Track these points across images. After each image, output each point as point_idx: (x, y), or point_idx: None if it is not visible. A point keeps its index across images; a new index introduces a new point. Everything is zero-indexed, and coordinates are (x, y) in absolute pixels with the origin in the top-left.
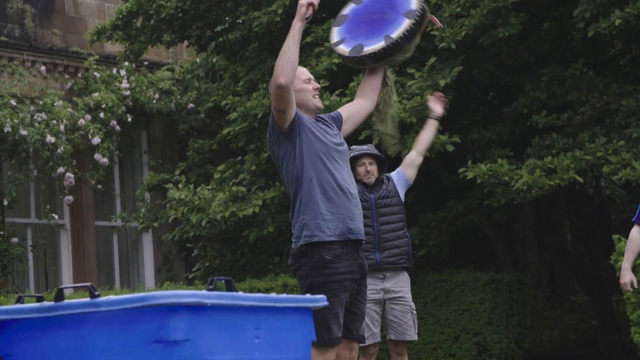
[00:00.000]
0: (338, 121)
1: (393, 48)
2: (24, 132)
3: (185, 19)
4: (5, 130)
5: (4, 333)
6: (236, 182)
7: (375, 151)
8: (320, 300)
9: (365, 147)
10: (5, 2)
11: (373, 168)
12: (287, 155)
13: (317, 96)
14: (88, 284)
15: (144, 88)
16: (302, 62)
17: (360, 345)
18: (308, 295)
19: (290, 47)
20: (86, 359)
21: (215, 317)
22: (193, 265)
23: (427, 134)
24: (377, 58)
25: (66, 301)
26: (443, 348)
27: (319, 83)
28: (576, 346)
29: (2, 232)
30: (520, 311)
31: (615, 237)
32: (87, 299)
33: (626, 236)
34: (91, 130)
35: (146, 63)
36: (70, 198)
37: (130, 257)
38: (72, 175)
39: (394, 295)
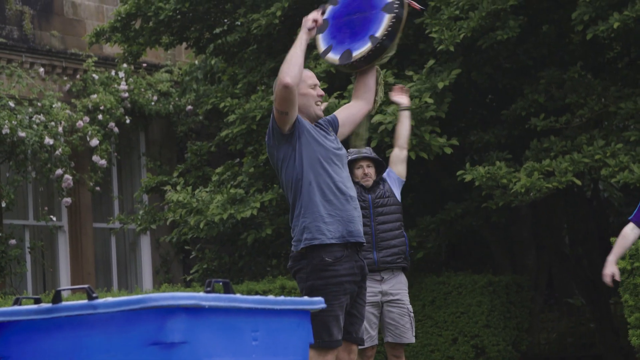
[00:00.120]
0: (334, 125)
1: (380, 47)
2: (22, 134)
3: (184, 21)
4: (4, 131)
5: (2, 335)
6: (234, 184)
7: (373, 154)
8: (318, 302)
9: (363, 150)
10: (4, 3)
11: (371, 171)
12: (287, 158)
13: (319, 103)
14: (86, 286)
15: (143, 90)
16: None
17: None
18: (306, 298)
19: (297, 51)
20: None
21: (212, 320)
22: (191, 267)
23: (403, 126)
24: (368, 60)
25: (64, 303)
26: (441, 350)
27: None
28: (574, 349)
29: (0, 234)
30: (518, 314)
31: (613, 239)
32: (85, 301)
33: None
34: (89, 132)
35: (144, 65)
36: (68, 200)
37: (128, 259)
38: (70, 177)
39: (391, 297)
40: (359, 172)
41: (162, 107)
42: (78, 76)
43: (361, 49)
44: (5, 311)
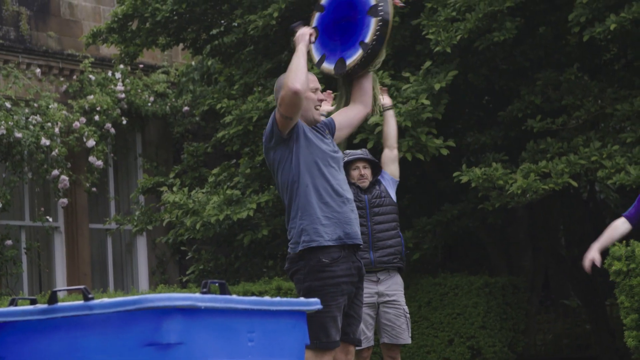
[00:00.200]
0: (331, 128)
1: (372, 52)
2: (18, 135)
3: (181, 22)
4: (0, 132)
5: None
6: (231, 185)
7: (369, 155)
8: (314, 303)
9: (359, 151)
10: (0, 4)
11: (367, 172)
12: (283, 160)
13: (319, 107)
14: (82, 286)
15: (139, 91)
16: None
17: None
18: (302, 299)
19: (301, 60)
20: None
21: (208, 320)
22: (187, 268)
23: (389, 126)
24: (362, 66)
25: (60, 304)
26: (437, 352)
27: None
28: (570, 350)
29: None
30: (514, 315)
31: None
32: (81, 302)
33: (620, 241)
34: (86, 133)
35: (141, 66)
36: (64, 201)
37: (124, 260)
38: (67, 178)
39: (387, 298)
40: (355, 173)
41: (159, 108)
42: (75, 77)
43: (353, 57)
44: (1, 312)
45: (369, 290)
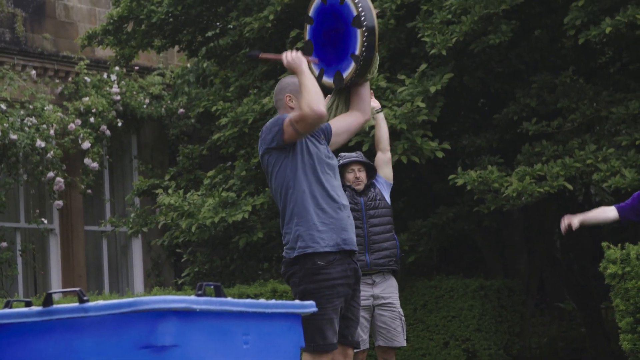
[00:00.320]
0: (327, 133)
1: (364, 63)
2: (13, 137)
3: (176, 24)
4: None
5: None
6: (226, 187)
7: (364, 158)
8: (309, 306)
9: (354, 154)
10: None
11: (362, 175)
12: (278, 164)
13: None
14: (77, 289)
15: (135, 93)
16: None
17: None
18: (297, 302)
19: (313, 81)
20: None
21: (204, 323)
22: (182, 270)
23: (381, 129)
24: (359, 77)
25: (55, 306)
26: (432, 354)
27: None
28: (565, 353)
29: None
30: (510, 318)
31: (604, 244)
32: (76, 304)
33: (615, 244)
34: (81, 135)
35: (137, 68)
36: (59, 202)
37: (119, 262)
38: (62, 180)
39: (383, 301)
40: (350, 176)
41: (154, 110)
42: (70, 79)
43: (348, 70)
44: None
45: (365, 293)
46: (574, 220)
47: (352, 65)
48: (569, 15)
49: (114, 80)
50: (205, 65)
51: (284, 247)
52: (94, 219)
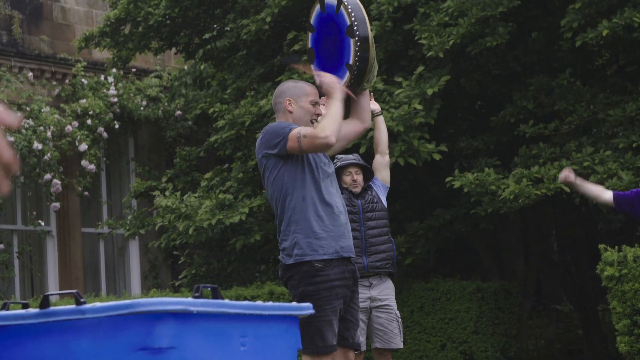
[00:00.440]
0: None
1: (358, 73)
2: (10, 139)
3: (174, 26)
4: None
5: None
6: (223, 189)
7: (362, 161)
8: (306, 308)
9: (351, 156)
10: None
11: (359, 178)
12: (277, 169)
13: (315, 121)
14: (74, 290)
15: (132, 95)
16: (290, 70)
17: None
18: (294, 304)
19: (340, 110)
20: None
21: (201, 325)
22: (179, 272)
23: (380, 132)
24: (354, 87)
25: (52, 308)
26: (429, 357)
27: None
28: (562, 355)
29: None
30: (507, 320)
31: (601, 246)
32: (73, 306)
33: (612, 246)
34: (78, 137)
35: (134, 70)
36: (56, 205)
37: (116, 264)
38: (59, 182)
39: (379, 303)
40: (347, 179)
41: (151, 112)
42: (67, 81)
43: (344, 79)
44: None
45: (362, 295)
46: (572, 176)
47: (347, 75)
48: (566, 18)
49: (111, 83)
50: (202, 67)
51: (281, 252)
52: (91, 221)
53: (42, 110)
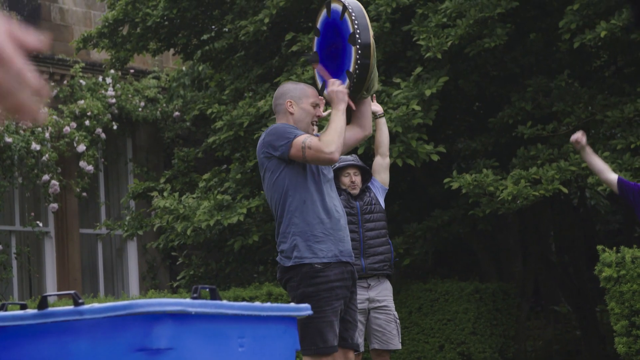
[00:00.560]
0: None
1: (358, 80)
2: (8, 140)
3: (172, 27)
4: None
5: None
6: (221, 190)
7: (360, 162)
8: (304, 309)
9: (349, 157)
10: None
11: (357, 179)
12: (278, 171)
13: (315, 123)
14: (72, 291)
15: (130, 96)
16: (288, 71)
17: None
18: (292, 305)
19: (343, 123)
20: None
21: (199, 326)
22: (178, 273)
23: (382, 134)
24: (353, 94)
25: (50, 309)
26: (427, 358)
27: None
28: (560, 356)
29: None
30: (505, 321)
31: (599, 247)
32: (71, 307)
33: (610, 247)
34: (76, 138)
35: (132, 71)
36: (55, 205)
37: (114, 265)
38: (57, 183)
39: (378, 304)
40: (346, 180)
41: (150, 113)
42: (65, 82)
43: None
44: None
45: (360, 296)
46: (584, 140)
47: (347, 82)
48: (564, 19)
49: (109, 84)
50: (200, 68)
51: (279, 254)
52: (89, 222)
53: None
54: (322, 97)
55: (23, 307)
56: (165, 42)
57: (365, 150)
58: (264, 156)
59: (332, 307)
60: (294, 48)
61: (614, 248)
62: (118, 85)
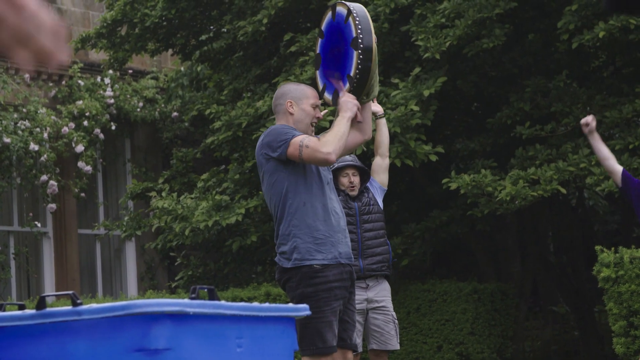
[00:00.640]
0: None
1: (358, 85)
2: (7, 140)
3: (170, 28)
4: None
5: None
6: (219, 190)
7: (359, 163)
8: (302, 309)
9: (348, 157)
10: None
11: (356, 179)
12: (278, 172)
13: (315, 124)
14: (70, 292)
15: (128, 96)
16: (287, 71)
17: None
18: (290, 305)
19: (346, 129)
20: None
21: (197, 326)
22: (176, 273)
23: (382, 134)
24: (355, 96)
25: (48, 309)
26: (425, 358)
27: None
28: (558, 357)
29: None
30: (503, 321)
31: (597, 248)
32: (69, 307)
33: (608, 247)
34: (75, 138)
35: (130, 71)
36: (53, 206)
37: (113, 265)
38: (56, 183)
39: (376, 304)
40: (344, 181)
41: (148, 114)
42: (63, 82)
43: (343, 90)
44: None
45: (358, 296)
46: (593, 124)
47: (347, 86)
48: (563, 20)
49: (108, 84)
50: (199, 68)
51: (278, 255)
52: (87, 223)
53: (39, 112)
54: (322, 100)
55: (21, 307)
56: (163, 43)
57: (363, 151)
58: (262, 157)
59: (331, 308)
60: (293, 48)
61: (612, 248)
62: (116, 85)
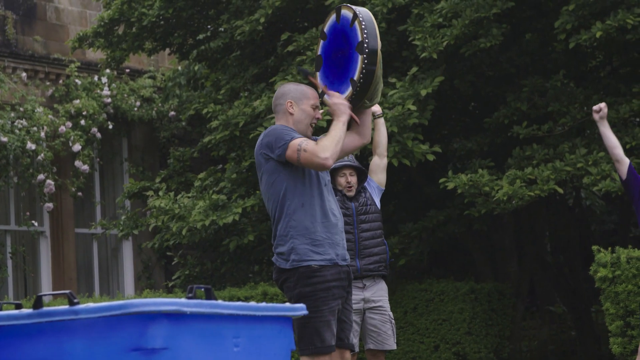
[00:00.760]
0: None
1: (361, 89)
2: (4, 139)
3: (167, 27)
4: None
5: None
6: (217, 190)
7: (356, 163)
8: (299, 309)
9: (346, 157)
10: None
11: (353, 180)
12: (277, 173)
13: (314, 125)
14: (67, 291)
15: (125, 95)
16: (284, 70)
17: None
18: (287, 304)
19: (342, 133)
20: None
21: (194, 326)
22: (173, 273)
23: (380, 134)
24: (354, 102)
25: (45, 308)
26: (422, 358)
27: None
28: (555, 356)
29: None
30: (500, 321)
31: (594, 248)
32: (66, 307)
33: (605, 247)
34: (72, 137)
35: (127, 70)
36: (50, 205)
37: (110, 264)
38: (53, 182)
39: (373, 304)
40: (342, 180)
41: (145, 113)
42: (61, 81)
43: (345, 93)
44: None
45: (355, 296)
46: (605, 111)
47: (349, 90)
48: (560, 19)
49: (105, 83)
50: (196, 68)
51: (275, 255)
52: (84, 222)
53: (36, 111)
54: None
55: (18, 306)
56: (160, 42)
57: (360, 151)
58: (262, 157)
59: (329, 307)
60: (290, 48)
61: (609, 248)
62: (114, 84)
